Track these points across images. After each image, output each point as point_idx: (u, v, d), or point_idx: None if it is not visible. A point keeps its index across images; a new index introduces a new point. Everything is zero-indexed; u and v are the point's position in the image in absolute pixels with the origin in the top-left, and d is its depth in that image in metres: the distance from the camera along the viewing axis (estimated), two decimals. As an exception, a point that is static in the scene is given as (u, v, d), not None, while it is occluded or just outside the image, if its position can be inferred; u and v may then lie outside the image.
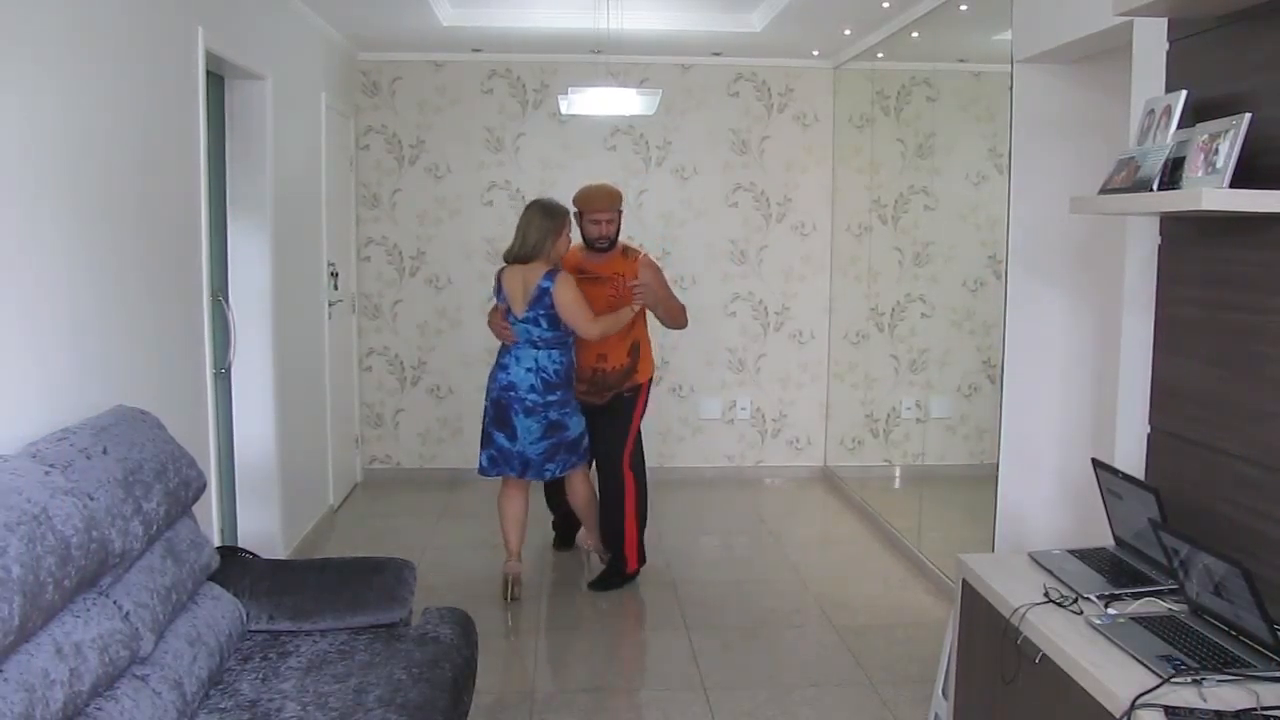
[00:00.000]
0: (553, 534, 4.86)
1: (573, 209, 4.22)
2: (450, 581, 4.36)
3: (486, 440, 4.14)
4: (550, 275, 3.93)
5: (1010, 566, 2.52)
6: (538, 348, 4.01)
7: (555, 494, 4.68)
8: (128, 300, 2.77)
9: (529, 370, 4.01)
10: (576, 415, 4.13)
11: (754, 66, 6.00)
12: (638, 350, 4.30)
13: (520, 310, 3.98)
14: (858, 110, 5.74)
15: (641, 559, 4.39)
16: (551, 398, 4.03)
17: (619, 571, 4.34)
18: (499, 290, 4.09)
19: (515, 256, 4.03)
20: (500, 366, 4.09)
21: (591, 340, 4.07)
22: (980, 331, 5.27)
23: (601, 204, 4.18)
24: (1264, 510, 2.17)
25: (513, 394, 4.03)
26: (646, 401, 4.41)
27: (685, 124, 6.02)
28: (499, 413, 4.08)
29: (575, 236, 4.26)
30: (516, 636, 3.82)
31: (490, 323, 4.16)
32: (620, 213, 4.26)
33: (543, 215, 4.01)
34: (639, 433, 4.37)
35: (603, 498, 4.36)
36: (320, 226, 4.96)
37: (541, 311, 3.95)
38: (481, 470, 4.19)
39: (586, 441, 4.20)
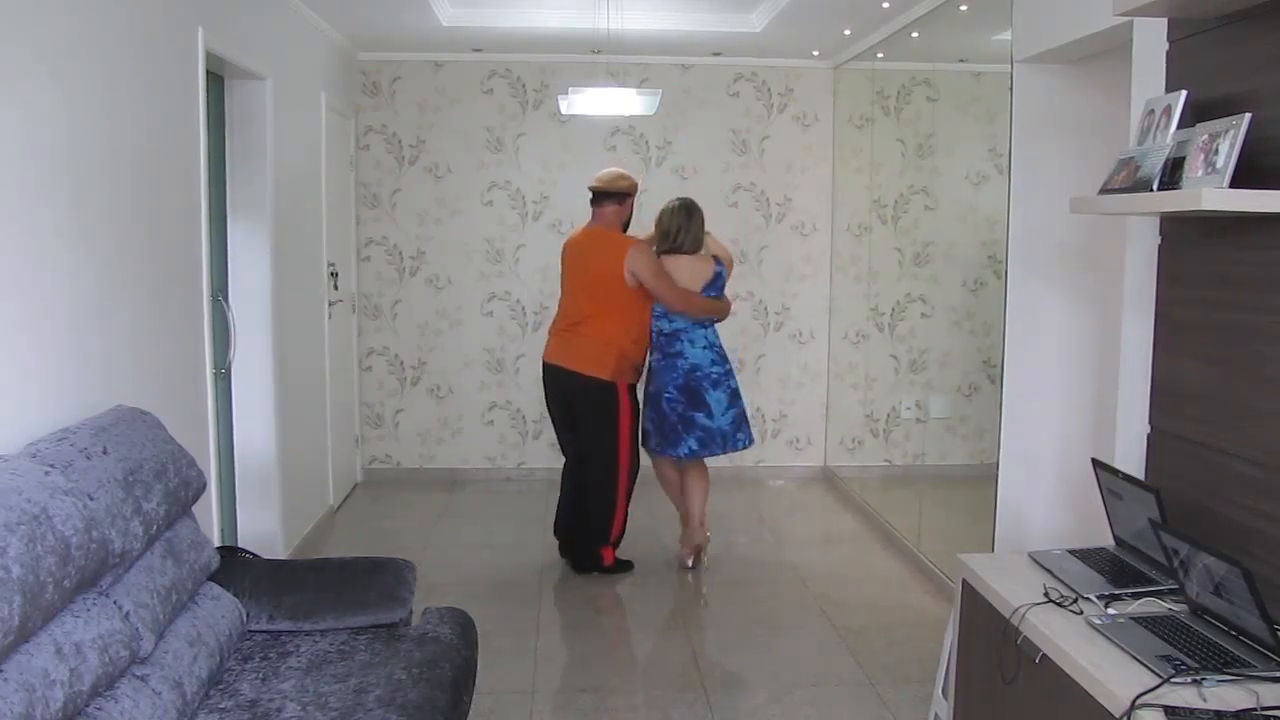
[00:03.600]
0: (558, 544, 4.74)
1: (629, 194, 4.50)
2: (450, 581, 4.36)
3: (688, 426, 4.38)
4: (720, 261, 4.47)
5: (1010, 566, 2.52)
6: (705, 325, 4.41)
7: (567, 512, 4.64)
8: (128, 300, 2.77)
9: (704, 348, 4.39)
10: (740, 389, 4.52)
11: (754, 66, 6.00)
12: None
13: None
14: (858, 110, 5.74)
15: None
16: (726, 367, 4.46)
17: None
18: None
19: (684, 248, 4.42)
20: (675, 355, 4.37)
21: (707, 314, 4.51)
22: (980, 331, 5.27)
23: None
24: (1264, 510, 2.17)
25: (699, 373, 4.37)
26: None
27: (685, 124, 6.02)
28: (691, 396, 4.36)
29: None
30: (516, 636, 3.82)
31: (702, 304, 4.40)
32: None
33: (696, 213, 4.45)
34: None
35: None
36: (320, 226, 4.96)
37: (714, 292, 4.43)
38: (692, 453, 4.41)
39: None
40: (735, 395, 4.44)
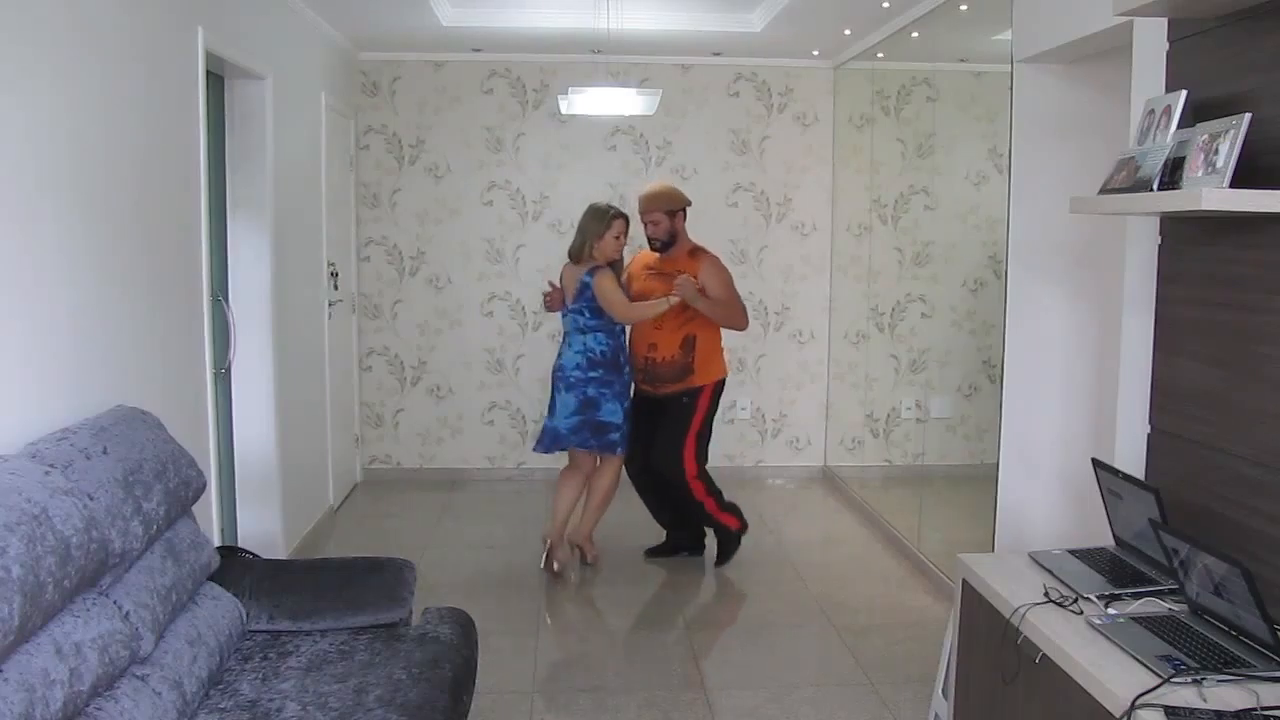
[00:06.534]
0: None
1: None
2: (450, 581, 4.36)
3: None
4: (590, 272, 4.34)
5: (1010, 566, 2.52)
6: (584, 333, 4.37)
7: (656, 502, 4.74)
8: (128, 300, 2.77)
9: (577, 352, 4.38)
10: (614, 402, 4.36)
11: (754, 66, 6.00)
12: (692, 346, 4.40)
13: (570, 302, 4.40)
14: (858, 110, 5.74)
15: (740, 518, 4.64)
16: (593, 374, 4.35)
17: (728, 538, 4.62)
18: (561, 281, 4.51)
19: (571, 255, 4.46)
20: (558, 354, 4.49)
21: (619, 321, 4.37)
22: (980, 331, 5.27)
23: (646, 205, 4.45)
24: (1264, 510, 2.17)
25: (560, 374, 4.42)
26: (711, 406, 4.50)
27: (685, 124, 6.02)
28: (550, 393, 4.49)
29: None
30: (516, 636, 3.82)
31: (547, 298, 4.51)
32: (675, 213, 4.43)
33: (589, 218, 4.41)
34: (700, 435, 4.48)
35: (674, 493, 4.55)
36: (320, 226, 4.96)
37: (585, 303, 4.35)
38: (540, 447, 4.51)
39: (617, 436, 4.37)
40: (590, 404, 4.33)
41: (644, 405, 4.50)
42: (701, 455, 4.51)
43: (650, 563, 4.68)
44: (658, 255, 4.50)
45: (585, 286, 4.33)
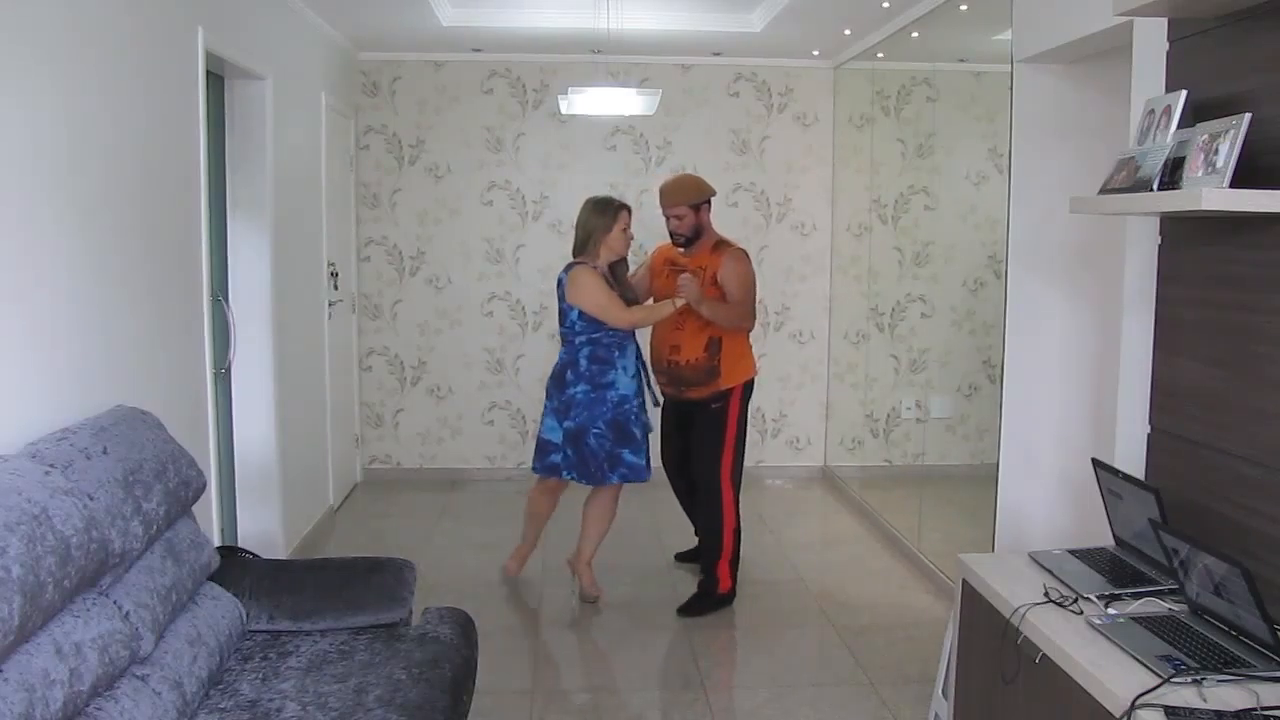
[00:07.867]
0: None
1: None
2: (450, 581, 4.36)
3: None
4: (568, 269, 3.92)
5: (1010, 566, 2.52)
6: (560, 341, 4.06)
7: (692, 505, 4.46)
8: (128, 300, 2.77)
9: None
10: (550, 418, 4.05)
11: (754, 66, 6.00)
12: (718, 348, 4.04)
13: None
14: (858, 110, 5.74)
15: (734, 584, 4.17)
16: (547, 387, 4.14)
17: (710, 593, 4.12)
18: None
19: (574, 254, 4.05)
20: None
21: (622, 329, 3.95)
22: (980, 331, 5.27)
23: (669, 200, 4.07)
24: (1264, 510, 2.17)
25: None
26: (742, 410, 4.14)
27: (685, 124, 6.02)
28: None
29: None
30: (516, 636, 3.82)
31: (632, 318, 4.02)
32: (699, 206, 4.05)
33: (593, 213, 3.99)
34: (738, 444, 4.14)
35: (703, 511, 4.23)
36: (320, 226, 4.96)
37: (558, 304, 3.97)
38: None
39: (558, 459, 4.01)
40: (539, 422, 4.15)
41: (673, 411, 4.27)
42: (738, 471, 4.15)
43: (651, 564, 4.67)
44: (680, 249, 4.14)
45: (559, 284, 3.92)
